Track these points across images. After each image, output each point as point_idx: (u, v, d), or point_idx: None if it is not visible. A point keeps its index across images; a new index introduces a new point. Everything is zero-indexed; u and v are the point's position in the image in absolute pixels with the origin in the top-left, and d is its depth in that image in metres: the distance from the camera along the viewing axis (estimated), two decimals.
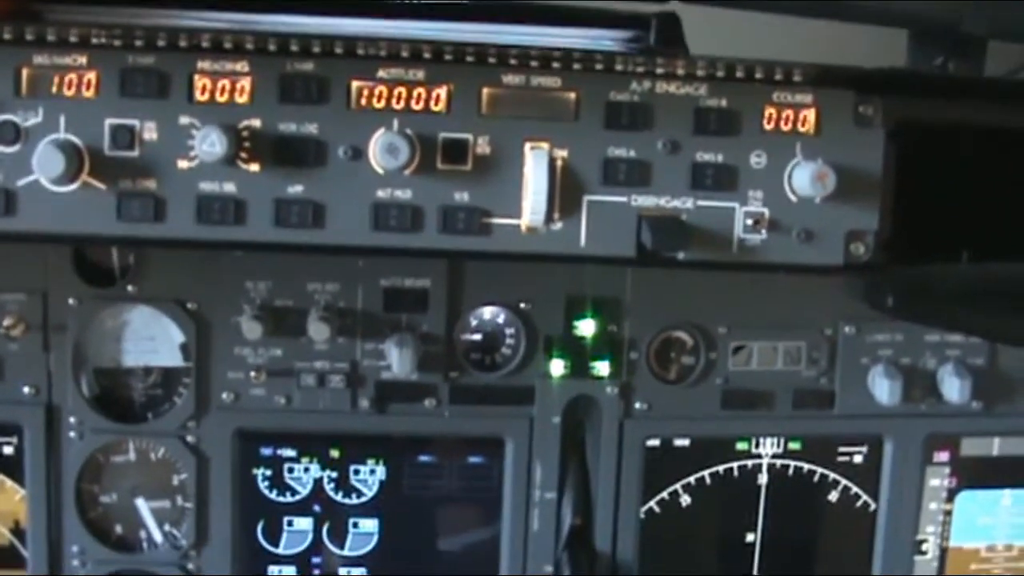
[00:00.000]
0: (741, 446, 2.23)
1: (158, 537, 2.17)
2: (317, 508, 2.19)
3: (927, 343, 2.22)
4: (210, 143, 1.64)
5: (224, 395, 2.11)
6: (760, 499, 2.25)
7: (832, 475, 2.25)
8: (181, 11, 1.70)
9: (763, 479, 2.24)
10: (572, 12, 1.77)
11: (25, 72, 1.68)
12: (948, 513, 2.29)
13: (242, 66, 1.70)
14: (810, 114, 1.78)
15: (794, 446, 2.24)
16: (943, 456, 2.26)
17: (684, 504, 2.23)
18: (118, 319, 2.11)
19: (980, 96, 1.81)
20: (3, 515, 2.14)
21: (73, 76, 1.68)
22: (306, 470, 2.17)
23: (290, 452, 2.16)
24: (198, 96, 1.69)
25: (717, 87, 1.77)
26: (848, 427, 2.24)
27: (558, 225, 1.76)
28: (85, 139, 1.68)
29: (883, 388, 2.17)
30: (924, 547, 2.29)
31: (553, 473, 2.18)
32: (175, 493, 2.16)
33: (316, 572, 2.21)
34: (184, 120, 1.69)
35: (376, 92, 1.72)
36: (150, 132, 1.69)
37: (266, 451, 2.16)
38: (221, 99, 1.70)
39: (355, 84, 1.72)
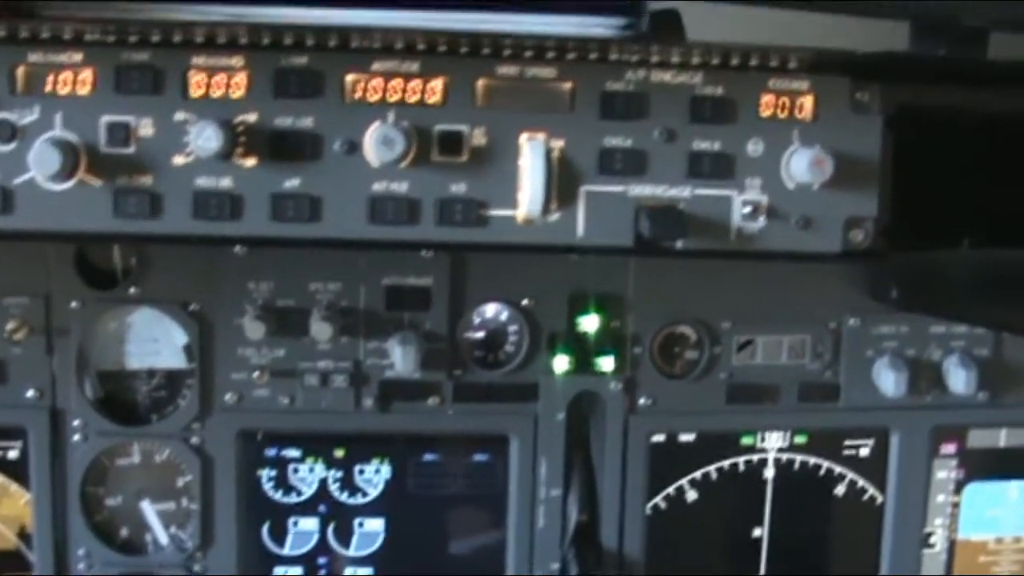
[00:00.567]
0: (746, 440, 2.21)
1: (164, 539, 2.14)
2: (322, 508, 2.16)
3: (932, 334, 2.19)
4: (206, 138, 1.62)
5: (228, 396, 2.09)
6: (766, 494, 2.22)
7: (838, 469, 2.22)
8: (175, 4, 1.69)
9: (769, 474, 2.22)
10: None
11: (20, 70, 1.66)
12: (956, 505, 2.26)
13: (237, 61, 1.68)
14: (807, 101, 1.76)
15: (800, 440, 2.21)
16: (950, 448, 2.24)
17: (690, 500, 2.20)
18: (121, 321, 2.09)
19: (980, 81, 1.79)
20: (9, 519, 2.12)
21: (68, 74, 1.66)
22: (311, 470, 2.14)
23: (294, 452, 2.14)
24: (193, 92, 1.67)
25: (713, 75, 1.74)
26: (854, 420, 2.21)
27: (555, 216, 1.73)
28: (81, 136, 1.66)
29: (888, 380, 2.14)
30: (932, 540, 2.26)
31: (558, 470, 2.16)
32: (180, 495, 2.14)
33: (322, 573, 2.18)
34: (179, 116, 1.67)
35: (371, 85, 1.70)
36: (146, 128, 1.67)
37: (270, 452, 2.13)
38: (216, 94, 1.68)
39: (350, 77, 1.70)
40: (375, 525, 2.17)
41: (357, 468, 2.15)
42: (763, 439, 2.21)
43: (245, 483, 2.13)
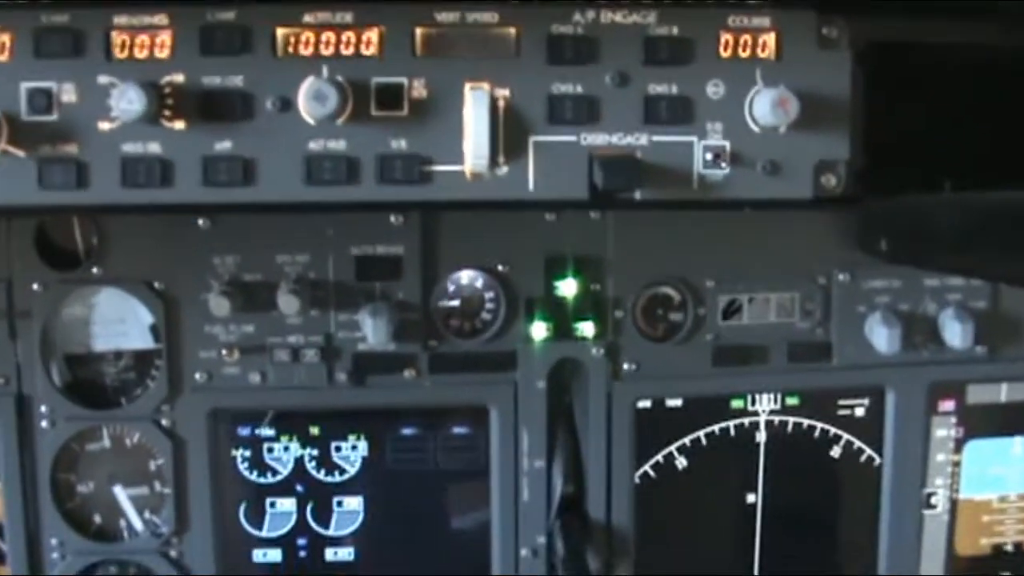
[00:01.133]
0: (736, 404, 2.14)
1: (138, 525, 2.08)
2: (299, 488, 2.09)
3: (926, 287, 2.12)
4: (128, 100, 1.53)
5: (197, 375, 2.02)
6: (759, 458, 2.15)
7: (833, 430, 2.15)
8: None
9: (761, 437, 2.14)
10: None
11: None
12: (956, 464, 2.18)
13: (160, 19, 1.59)
14: (769, 38, 1.65)
15: (792, 401, 2.14)
16: (948, 405, 2.16)
17: (680, 467, 2.13)
18: (85, 303, 2.02)
19: (953, 12, 1.67)
20: None
21: None
22: (286, 449, 2.07)
23: (268, 431, 2.07)
24: (116, 53, 1.59)
25: (667, 13, 1.64)
26: (847, 379, 2.14)
27: (503, 169, 1.64)
28: (0, 106, 1.58)
29: (882, 336, 2.07)
30: (933, 500, 2.19)
31: (541, 441, 2.09)
32: (153, 479, 2.07)
33: (302, 554, 2.11)
34: (103, 79, 1.58)
35: (303, 38, 1.61)
36: (68, 94, 1.58)
37: (244, 431, 2.06)
38: (140, 55, 1.59)
39: (280, 31, 1.61)
40: (354, 503, 2.10)
41: (334, 445, 2.08)
42: (753, 402, 2.13)
43: (219, 464, 2.06)
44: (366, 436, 2.09)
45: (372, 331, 1.95)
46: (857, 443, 2.16)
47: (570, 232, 2.04)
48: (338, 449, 2.09)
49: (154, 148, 1.60)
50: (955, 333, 2.08)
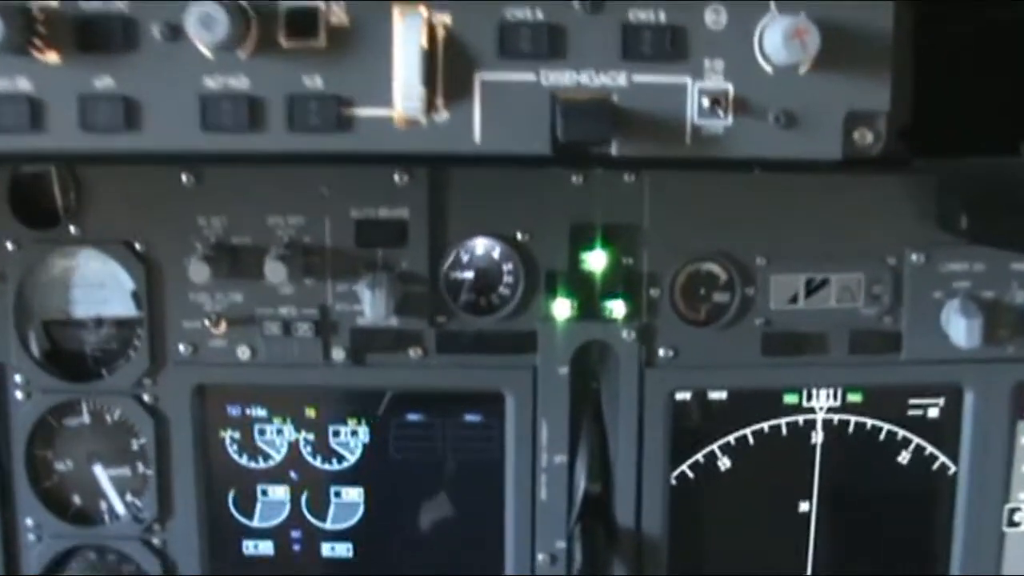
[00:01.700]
0: (790, 399, 1.93)
1: (120, 508, 1.94)
2: (293, 475, 1.94)
3: (1013, 272, 1.89)
4: None
5: (181, 347, 1.86)
6: (815, 462, 1.94)
7: (901, 432, 1.93)
8: None
9: (818, 438, 1.93)
10: None
11: None
12: None
13: None
14: None
15: (854, 398, 1.93)
16: None
17: (723, 468, 1.94)
18: (64, 266, 1.88)
19: None
20: None
21: None
22: (279, 432, 1.92)
23: (260, 412, 1.92)
24: None
25: None
26: (919, 375, 1.92)
27: (442, 115, 1.37)
28: None
29: (960, 328, 1.85)
30: (1017, 517, 1.96)
31: (562, 433, 1.90)
32: (135, 459, 1.93)
33: (296, 548, 1.95)
34: None
35: None
36: None
37: (233, 411, 1.90)
38: None
39: None
40: (353, 495, 1.94)
41: (331, 430, 1.92)
42: (809, 397, 1.92)
43: (205, 446, 1.91)
44: (367, 421, 1.91)
45: (370, 305, 1.77)
46: (929, 448, 1.94)
47: (599, 197, 1.84)
48: (336, 434, 1.92)
49: (23, 85, 1.37)
50: None
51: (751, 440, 1.92)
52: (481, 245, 1.85)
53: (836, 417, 1.92)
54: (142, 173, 1.79)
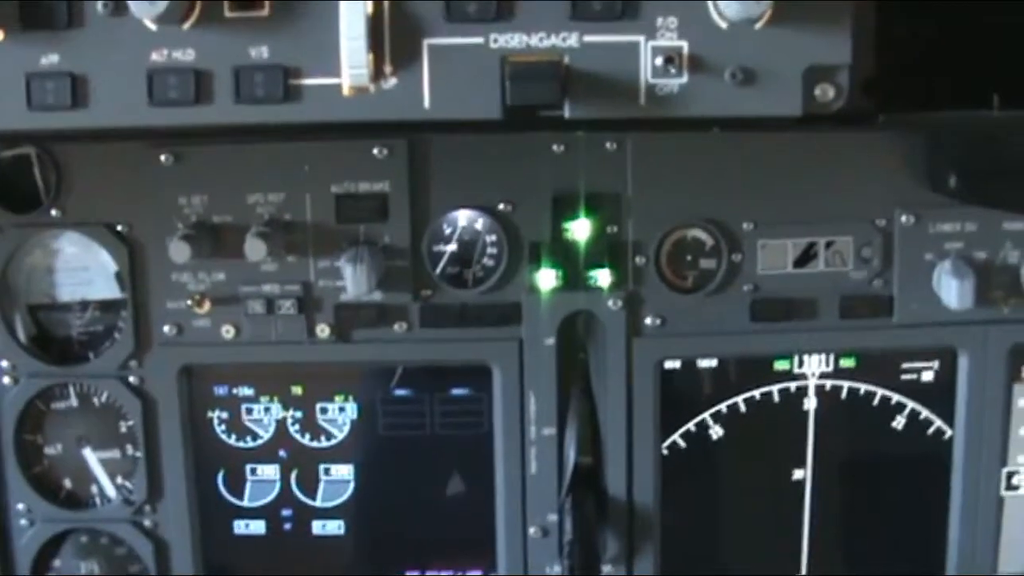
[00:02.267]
0: (780, 365, 1.88)
1: (111, 491, 1.92)
2: (282, 453, 1.91)
3: (1007, 232, 1.83)
4: None
5: (165, 328, 1.83)
6: (808, 428, 1.90)
7: (896, 397, 1.89)
8: None
9: (810, 404, 1.89)
10: None
11: None
12: None
13: None
14: None
15: (847, 363, 1.89)
16: None
17: (715, 437, 1.89)
18: (47, 249, 1.86)
19: None
20: None
21: None
22: (267, 410, 1.89)
23: (247, 391, 1.88)
24: None
25: None
26: (912, 339, 1.87)
27: (391, 82, 1.33)
28: None
29: (952, 289, 1.79)
30: (1015, 480, 1.92)
31: (551, 405, 1.86)
32: (124, 442, 1.91)
33: (287, 527, 1.92)
34: None
35: None
36: None
37: (220, 390, 1.88)
38: None
39: None
40: (343, 472, 1.91)
41: (319, 407, 1.89)
42: (801, 363, 1.88)
43: (193, 426, 1.88)
44: (354, 397, 1.88)
45: (352, 280, 1.73)
46: (924, 413, 1.90)
47: (582, 165, 1.79)
48: (324, 411, 1.89)
49: None
50: None
51: (743, 408, 1.87)
52: (463, 217, 1.81)
53: (829, 383, 1.87)
54: (122, 154, 1.76)
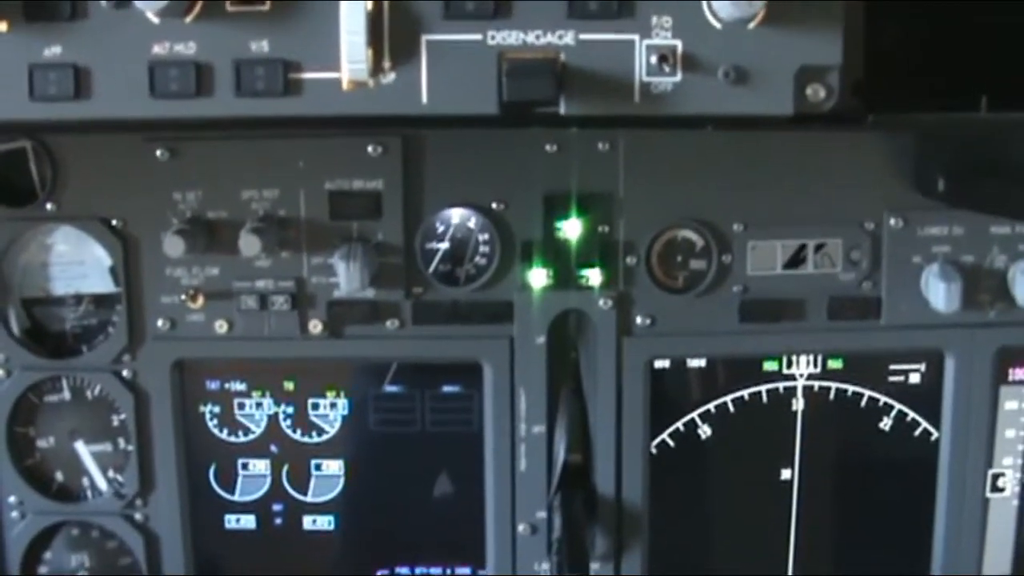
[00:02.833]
0: (769, 366, 1.89)
1: (102, 484, 1.91)
2: (274, 448, 1.91)
3: (994, 236, 1.84)
4: None
5: (159, 322, 1.83)
6: (796, 429, 1.90)
7: (883, 399, 1.90)
8: None
9: (799, 404, 1.89)
10: None
11: None
12: None
13: None
14: None
15: (835, 365, 1.89)
16: (1020, 373, 1.90)
17: (703, 436, 1.89)
18: (42, 243, 1.86)
19: None
20: None
21: None
22: (258, 406, 1.89)
23: (239, 386, 1.88)
24: None
25: None
26: (899, 341, 1.88)
27: (389, 77, 1.34)
28: None
29: (939, 292, 1.80)
30: (1001, 482, 1.92)
31: (541, 403, 1.86)
32: (116, 435, 1.90)
33: (278, 521, 1.92)
34: None
35: None
36: None
37: (212, 385, 1.88)
38: None
39: None
40: (334, 467, 1.91)
41: (310, 402, 1.89)
42: (790, 364, 1.89)
43: (185, 420, 1.88)
44: (346, 393, 1.88)
45: (345, 277, 1.73)
46: (911, 414, 1.90)
47: (574, 165, 1.79)
48: (315, 407, 1.89)
49: None
50: None
51: (731, 408, 1.88)
52: (456, 215, 1.81)
53: (817, 384, 1.87)
54: (117, 148, 1.77)
